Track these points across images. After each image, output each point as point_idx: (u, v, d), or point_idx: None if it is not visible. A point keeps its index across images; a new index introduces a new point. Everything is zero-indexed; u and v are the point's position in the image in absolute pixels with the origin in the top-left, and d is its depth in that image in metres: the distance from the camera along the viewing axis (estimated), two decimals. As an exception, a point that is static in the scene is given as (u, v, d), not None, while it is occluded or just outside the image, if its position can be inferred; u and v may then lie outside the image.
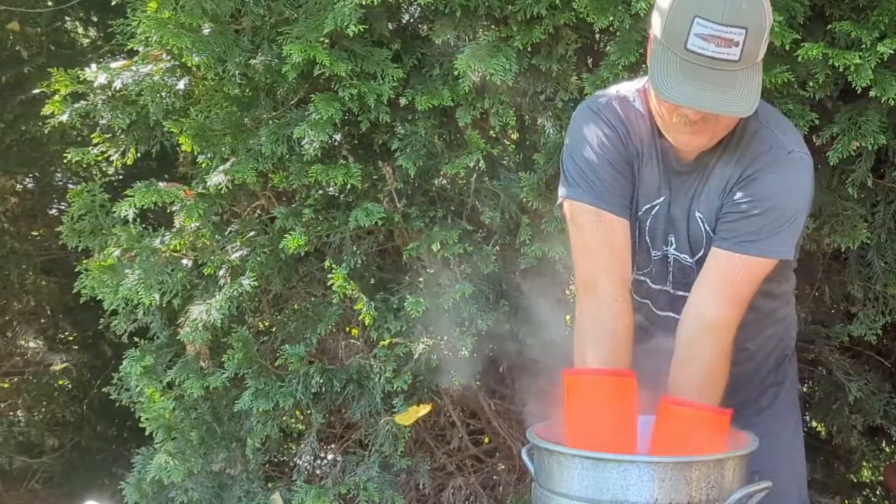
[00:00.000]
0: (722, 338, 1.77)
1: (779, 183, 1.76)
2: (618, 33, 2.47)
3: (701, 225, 1.84)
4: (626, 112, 1.85)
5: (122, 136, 2.91)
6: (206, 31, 2.58)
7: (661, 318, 1.96)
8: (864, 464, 3.52)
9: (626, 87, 1.90)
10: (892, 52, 2.24)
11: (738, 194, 1.77)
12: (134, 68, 2.77)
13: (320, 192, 2.75)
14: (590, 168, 1.83)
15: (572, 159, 1.86)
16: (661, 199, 1.86)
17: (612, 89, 1.92)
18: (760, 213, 1.75)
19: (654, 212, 1.88)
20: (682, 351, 1.79)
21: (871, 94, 2.31)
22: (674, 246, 1.88)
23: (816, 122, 2.44)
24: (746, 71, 1.64)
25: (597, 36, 2.67)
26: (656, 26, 1.70)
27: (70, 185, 4.53)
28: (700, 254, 1.85)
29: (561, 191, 1.90)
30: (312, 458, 3.00)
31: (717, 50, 1.61)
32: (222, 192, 2.67)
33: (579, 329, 1.85)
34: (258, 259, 2.72)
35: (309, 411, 2.87)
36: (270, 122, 2.65)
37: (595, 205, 1.82)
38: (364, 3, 2.39)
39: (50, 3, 4.33)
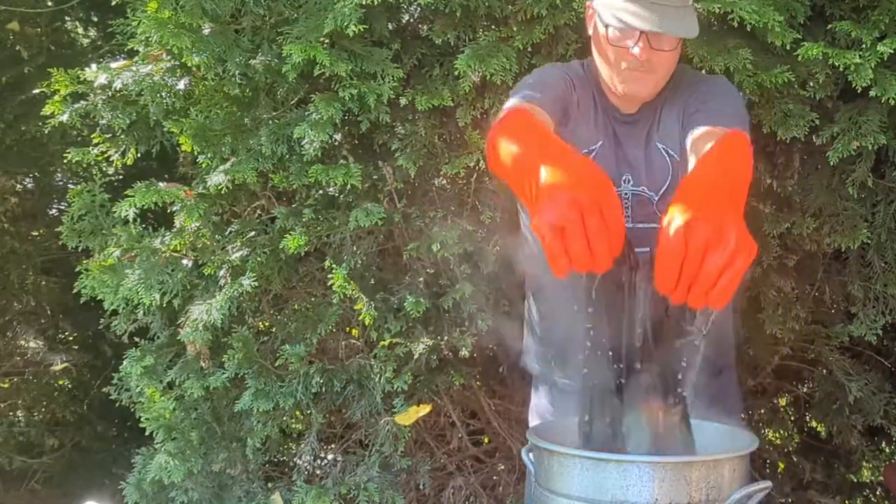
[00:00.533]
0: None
1: (716, 86, 1.97)
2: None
3: (665, 155, 1.96)
4: (570, 71, 2.03)
5: (122, 136, 2.91)
6: (206, 31, 2.58)
7: None
8: (864, 464, 3.52)
9: (576, 62, 2.10)
10: (892, 51, 2.25)
11: (691, 105, 1.93)
12: (134, 68, 2.77)
13: (320, 192, 2.76)
14: (534, 85, 1.95)
15: (524, 81, 1.99)
16: (599, 143, 1.97)
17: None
18: (714, 104, 1.90)
19: (593, 156, 1.97)
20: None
21: (872, 93, 2.32)
22: (630, 183, 1.98)
23: (816, 121, 2.45)
24: (687, 9, 1.86)
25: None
26: None
27: (70, 185, 4.52)
28: (665, 184, 1.95)
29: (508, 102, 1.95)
30: (312, 458, 3.00)
31: None
32: (222, 192, 2.67)
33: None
34: (258, 259, 2.72)
35: (309, 411, 2.87)
36: (270, 122, 2.65)
37: (529, 100, 1.88)
38: (364, 3, 2.39)
39: (50, 3, 4.33)
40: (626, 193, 1.98)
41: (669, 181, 1.96)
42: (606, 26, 1.88)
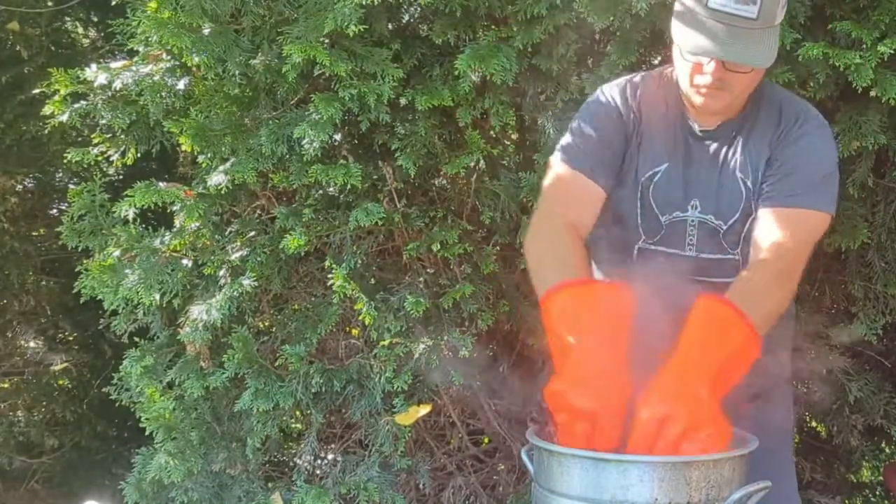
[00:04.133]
0: (787, 262, 1.78)
1: (812, 144, 1.87)
2: (618, 33, 2.47)
3: (742, 185, 1.89)
4: (630, 91, 1.96)
5: (122, 136, 2.91)
6: (206, 31, 2.58)
7: (675, 281, 1.93)
8: (864, 464, 3.52)
9: (644, 73, 2.01)
10: (892, 51, 2.24)
11: (777, 157, 1.87)
12: (134, 68, 2.77)
13: (320, 192, 2.75)
14: (581, 136, 1.94)
15: (570, 129, 1.98)
16: (664, 165, 1.92)
17: (632, 74, 2.03)
18: (798, 170, 1.84)
19: (656, 178, 1.93)
20: (748, 268, 1.81)
21: (872, 93, 2.32)
22: (698, 209, 1.92)
23: (817, 121, 2.44)
24: (764, 31, 1.74)
25: (597, 36, 2.67)
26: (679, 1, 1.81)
27: (70, 185, 4.52)
28: (735, 216, 1.90)
29: (551, 157, 1.99)
30: (312, 458, 3.00)
31: (736, 7, 1.72)
32: (222, 192, 2.67)
33: (535, 252, 1.85)
34: (258, 259, 2.72)
35: (309, 411, 2.87)
36: (270, 122, 2.65)
37: (575, 168, 1.92)
38: (364, 3, 2.39)
39: (50, 3, 4.33)
40: (692, 220, 1.93)
41: (740, 212, 1.90)
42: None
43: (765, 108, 1.90)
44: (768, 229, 1.83)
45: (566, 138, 1.97)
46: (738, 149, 1.90)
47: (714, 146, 1.91)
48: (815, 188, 1.84)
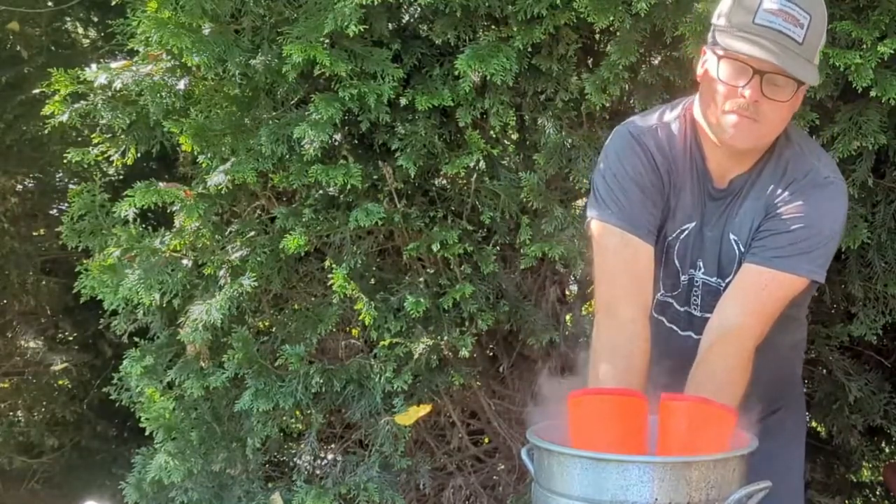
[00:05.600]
0: (742, 345, 1.76)
1: (815, 206, 1.79)
2: (618, 33, 2.47)
3: (735, 247, 1.85)
4: (664, 137, 1.87)
5: (122, 136, 2.91)
6: (206, 31, 2.58)
7: (682, 337, 1.96)
8: (864, 464, 3.52)
9: (669, 114, 1.91)
10: (892, 52, 2.25)
11: (773, 213, 1.80)
12: (134, 68, 2.77)
13: (320, 192, 2.75)
14: (621, 190, 1.84)
15: (605, 180, 1.87)
16: (693, 223, 1.88)
17: (655, 114, 1.92)
18: (793, 231, 1.78)
19: (683, 235, 1.89)
20: (702, 355, 1.79)
21: (872, 93, 2.32)
22: (702, 270, 1.90)
23: (817, 121, 2.45)
24: (806, 62, 1.70)
25: (597, 36, 2.67)
26: (721, 20, 1.76)
27: (70, 185, 4.52)
28: (730, 277, 1.86)
29: (590, 211, 1.91)
30: (312, 458, 3.00)
31: (784, 25, 1.68)
32: (222, 192, 2.67)
33: (595, 350, 1.84)
34: (258, 259, 2.72)
35: (309, 411, 2.87)
36: (270, 122, 2.65)
37: (622, 227, 1.84)
38: (364, 3, 2.39)
39: (50, 3, 4.33)
40: (696, 280, 1.91)
41: (733, 274, 1.86)
42: (719, 60, 1.73)
43: (773, 162, 1.83)
44: (745, 292, 1.79)
45: (604, 190, 1.87)
46: (738, 206, 1.85)
47: (722, 206, 1.87)
48: (807, 253, 1.78)
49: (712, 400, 1.64)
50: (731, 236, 1.85)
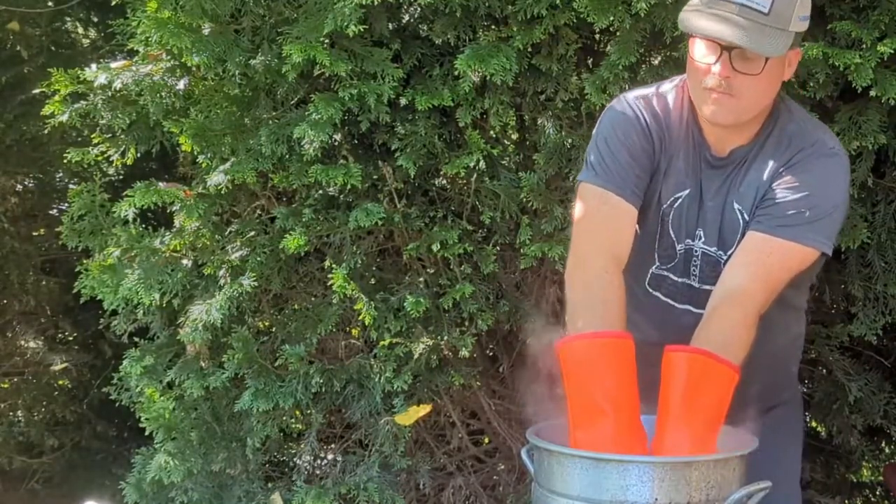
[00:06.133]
0: (747, 309, 1.75)
1: (821, 175, 1.79)
2: (618, 33, 2.47)
3: (739, 216, 1.85)
4: (659, 106, 1.89)
5: (122, 136, 2.91)
6: (206, 31, 2.58)
7: (679, 312, 1.95)
8: (864, 464, 3.52)
9: (666, 86, 1.94)
10: (892, 51, 2.24)
11: (779, 181, 1.80)
12: (134, 68, 2.77)
13: (320, 192, 2.75)
14: (609, 154, 1.86)
15: (595, 145, 1.90)
16: (687, 191, 1.88)
17: (653, 85, 1.95)
18: (799, 199, 1.77)
19: (677, 204, 1.89)
20: (706, 317, 1.78)
21: (872, 93, 2.32)
22: (702, 240, 1.89)
23: (817, 122, 2.44)
24: (776, 31, 1.69)
25: (597, 36, 2.67)
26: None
27: (70, 185, 4.52)
28: (733, 248, 1.86)
29: (579, 177, 1.93)
30: (312, 458, 3.00)
31: None
32: (222, 192, 2.67)
33: (570, 302, 1.83)
34: (258, 259, 2.72)
35: (309, 411, 2.87)
36: (270, 122, 2.65)
37: (604, 187, 1.85)
38: (364, 3, 2.39)
39: (50, 3, 4.33)
40: (696, 250, 1.90)
41: (737, 244, 1.84)
42: (691, 40, 1.77)
43: (775, 135, 1.84)
44: (750, 259, 1.79)
45: (594, 155, 1.89)
46: (742, 176, 1.85)
47: (723, 175, 1.87)
48: (813, 222, 1.77)
49: (715, 353, 1.63)
50: (736, 206, 1.85)
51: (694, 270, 1.91)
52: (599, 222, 1.86)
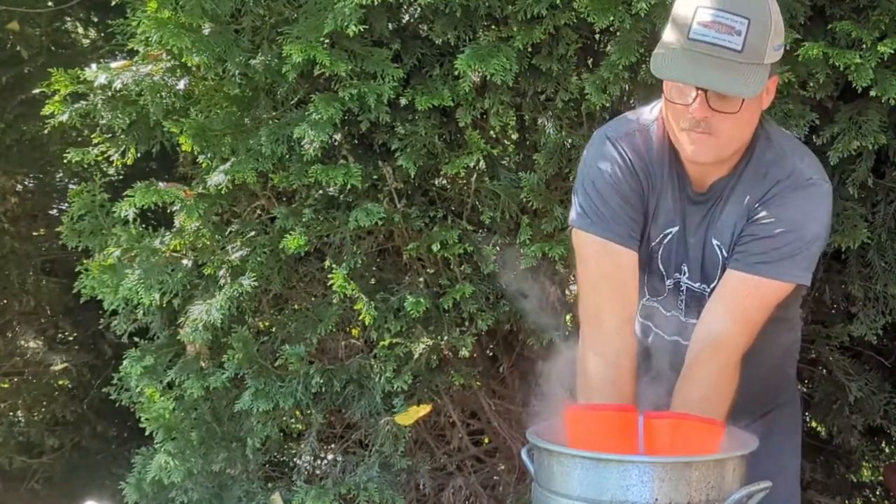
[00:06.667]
0: (728, 354, 1.76)
1: (797, 209, 1.76)
2: (618, 33, 2.47)
3: (718, 252, 1.83)
4: (642, 143, 1.85)
5: (122, 136, 2.91)
6: (206, 31, 2.58)
7: (669, 342, 1.95)
8: (864, 464, 3.52)
9: (646, 117, 1.89)
10: (892, 51, 2.25)
11: (755, 217, 1.78)
12: (134, 68, 2.77)
13: (320, 192, 2.75)
14: (599, 198, 1.83)
15: (583, 188, 1.86)
16: (676, 227, 1.87)
17: (633, 118, 1.91)
18: (776, 236, 1.75)
19: (666, 240, 1.88)
20: (688, 366, 1.80)
21: (872, 93, 2.32)
22: (686, 275, 1.88)
23: (817, 121, 2.45)
24: (752, 66, 1.64)
25: (597, 36, 2.67)
26: (664, 36, 1.73)
27: (70, 185, 4.52)
28: (714, 283, 1.85)
29: (571, 216, 1.91)
30: (312, 458, 3.00)
31: (717, 36, 1.63)
32: (222, 192, 2.67)
33: (583, 364, 1.86)
34: (258, 259, 2.72)
35: (309, 411, 2.87)
36: (270, 122, 2.65)
37: (602, 235, 1.83)
38: (364, 3, 2.39)
39: (50, 3, 4.33)
40: (681, 287, 1.90)
41: (717, 279, 1.83)
42: (665, 82, 1.73)
43: (752, 165, 1.80)
44: (729, 300, 1.78)
45: (585, 201, 1.85)
46: (720, 211, 1.82)
47: (703, 210, 1.84)
48: (791, 257, 1.75)
49: (693, 415, 1.66)
50: (714, 242, 1.83)
51: (680, 304, 1.92)
52: (605, 276, 1.85)
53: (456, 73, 2.50)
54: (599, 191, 1.83)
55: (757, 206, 1.78)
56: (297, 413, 3.00)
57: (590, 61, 2.74)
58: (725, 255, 1.82)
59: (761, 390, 1.95)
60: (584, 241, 1.86)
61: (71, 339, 5.08)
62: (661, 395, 1.82)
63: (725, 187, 1.81)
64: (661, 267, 1.90)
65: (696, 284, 1.88)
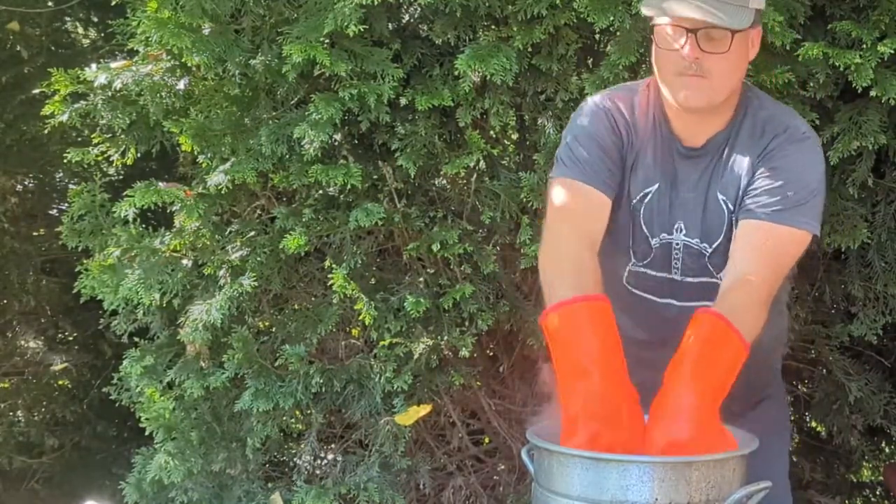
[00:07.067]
0: (755, 289, 1.76)
1: (798, 161, 1.83)
2: (618, 33, 2.47)
3: (724, 206, 1.86)
4: (624, 103, 1.92)
5: (122, 136, 2.91)
6: (206, 31, 2.58)
7: (661, 306, 1.95)
8: (864, 464, 3.52)
9: (632, 86, 1.98)
10: (892, 51, 2.25)
11: (760, 171, 1.83)
12: (134, 68, 2.77)
13: (320, 192, 2.75)
14: (578, 148, 1.89)
15: (565, 144, 1.93)
16: (656, 186, 1.89)
17: (619, 88, 2.00)
18: (783, 185, 1.80)
19: (647, 199, 1.90)
20: (718, 297, 1.79)
21: (872, 93, 2.32)
22: (683, 232, 1.90)
23: (817, 121, 2.44)
24: (738, 7, 1.74)
25: (597, 36, 2.67)
26: None
27: (70, 185, 4.52)
28: (719, 239, 1.87)
29: (551, 175, 1.95)
30: (312, 458, 3.00)
31: None
32: (222, 192, 2.67)
33: (545, 282, 1.82)
34: (258, 259, 2.72)
35: (309, 411, 2.87)
36: (270, 122, 2.65)
37: (578, 179, 1.88)
38: (364, 3, 2.39)
39: (50, 3, 4.33)
40: (676, 243, 1.91)
41: (723, 235, 1.86)
42: (656, 30, 1.81)
43: (749, 121, 1.87)
44: (750, 246, 1.80)
45: (564, 152, 1.92)
46: (722, 167, 1.86)
47: (701, 165, 1.88)
48: (799, 205, 1.80)
49: (733, 323, 1.65)
50: (720, 196, 1.86)
51: (676, 264, 1.92)
52: (572, 210, 1.88)
53: (456, 73, 2.50)
54: (579, 141, 1.90)
55: (759, 160, 1.83)
56: (297, 413, 3.00)
57: (590, 61, 2.74)
58: (731, 209, 1.85)
59: (752, 375, 1.95)
60: (558, 185, 1.90)
61: (71, 339, 5.07)
62: (663, 359, 1.75)
63: (724, 143, 1.87)
64: (644, 228, 1.92)
65: (695, 241, 1.89)
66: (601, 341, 1.66)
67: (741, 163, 1.85)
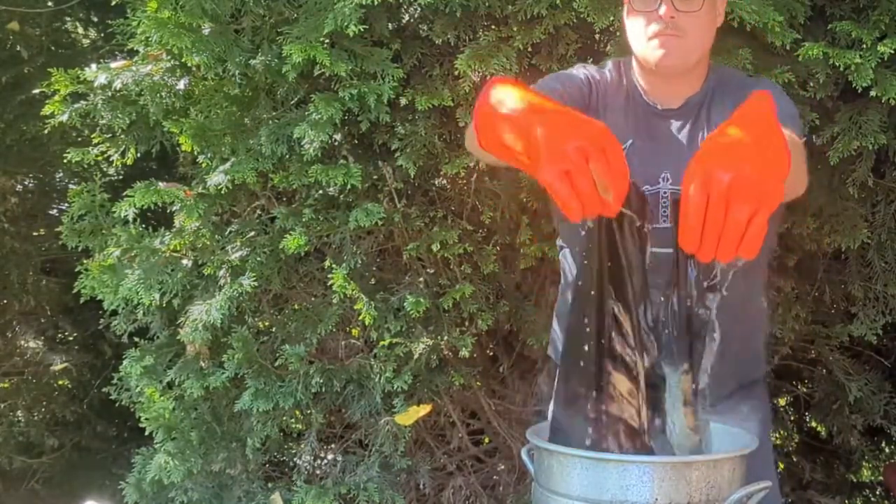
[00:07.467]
0: (802, 150, 1.76)
1: (775, 93, 1.85)
2: (618, 33, 2.47)
3: None
4: (597, 71, 2.01)
5: (122, 136, 2.91)
6: (206, 31, 2.58)
7: (665, 254, 1.94)
8: (864, 464, 3.52)
9: (606, 63, 2.06)
10: (892, 51, 2.25)
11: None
12: (134, 68, 2.77)
13: (320, 192, 2.76)
14: (549, 86, 1.93)
15: (539, 86, 1.95)
16: (629, 141, 1.92)
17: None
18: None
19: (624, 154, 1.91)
20: None
21: (872, 93, 2.32)
22: (670, 181, 1.92)
23: (817, 121, 2.45)
24: None
25: (597, 36, 2.67)
26: None
27: (70, 185, 4.52)
28: None
29: None
30: (312, 458, 3.00)
31: None
32: (222, 192, 2.67)
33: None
34: (258, 259, 2.72)
35: (309, 411, 2.87)
36: (270, 122, 2.65)
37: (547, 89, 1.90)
38: (364, 3, 2.39)
39: (50, 3, 4.33)
40: (664, 192, 1.92)
41: None
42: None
43: (720, 88, 1.94)
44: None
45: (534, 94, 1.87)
46: (704, 121, 1.92)
47: (678, 124, 1.93)
48: (790, 116, 1.83)
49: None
50: None
51: (664, 212, 1.93)
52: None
53: (456, 73, 2.50)
54: (541, 87, 1.91)
55: (739, 99, 1.79)
56: (297, 413, 3.00)
57: (590, 61, 2.74)
58: None
59: (741, 354, 1.96)
60: None
61: (71, 339, 5.07)
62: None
63: (700, 104, 1.93)
64: None
65: (680, 187, 1.89)
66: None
67: (722, 113, 1.87)
